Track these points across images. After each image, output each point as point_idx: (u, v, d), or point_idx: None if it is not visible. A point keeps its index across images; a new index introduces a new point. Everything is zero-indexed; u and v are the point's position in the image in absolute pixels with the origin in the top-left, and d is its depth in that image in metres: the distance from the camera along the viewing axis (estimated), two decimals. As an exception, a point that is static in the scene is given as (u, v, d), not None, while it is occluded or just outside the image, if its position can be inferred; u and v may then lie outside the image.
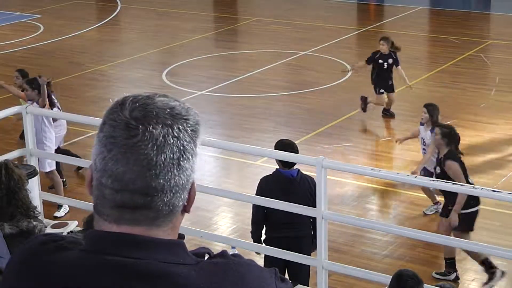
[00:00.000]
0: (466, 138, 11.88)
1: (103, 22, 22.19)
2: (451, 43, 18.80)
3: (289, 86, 15.93)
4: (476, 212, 8.77)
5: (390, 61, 13.65)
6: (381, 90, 13.81)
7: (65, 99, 14.90)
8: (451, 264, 8.92)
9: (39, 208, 6.33)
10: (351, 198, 10.97)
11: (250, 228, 8.00)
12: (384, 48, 13.60)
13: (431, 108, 10.26)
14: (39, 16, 22.74)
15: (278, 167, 7.78)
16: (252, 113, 14.38)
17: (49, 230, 6.69)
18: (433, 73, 16.60)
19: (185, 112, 1.82)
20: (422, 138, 10.44)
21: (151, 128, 1.77)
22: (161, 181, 1.77)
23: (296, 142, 12.90)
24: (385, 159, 12.47)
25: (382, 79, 13.75)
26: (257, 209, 7.78)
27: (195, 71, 17.17)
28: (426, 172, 9.94)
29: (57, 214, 10.56)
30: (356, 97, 14.20)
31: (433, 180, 7.71)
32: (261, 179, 7.88)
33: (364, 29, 20.95)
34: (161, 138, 1.77)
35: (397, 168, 11.88)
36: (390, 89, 13.86)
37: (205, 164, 11.94)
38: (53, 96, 11.00)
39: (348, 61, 17.26)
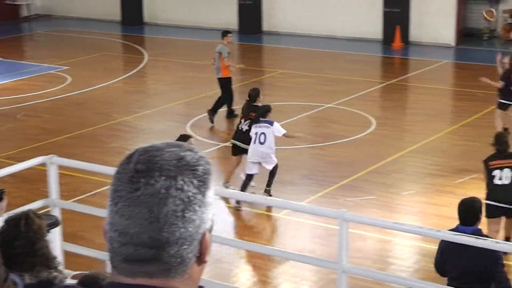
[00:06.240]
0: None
1: (130, 73, 22.43)
2: (476, 96, 18.75)
3: (312, 139, 15.94)
4: None
5: None
6: None
7: (90, 149, 15.05)
8: None
9: (60, 258, 6.36)
10: (373, 251, 10.88)
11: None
12: None
13: None
14: (67, 67, 23.05)
15: None
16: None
17: (69, 281, 6.70)
18: (458, 127, 16.56)
19: (195, 162, 1.80)
20: None
21: (153, 181, 1.75)
22: (165, 234, 1.75)
23: (318, 195, 12.87)
24: (408, 213, 12.38)
25: None
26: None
27: (218, 123, 17.24)
28: None
29: None
30: (381, 150, 14.10)
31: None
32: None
33: (388, 82, 20.98)
34: (163, 190, 1.75)
35: (419, 222, 11.80)
36: None
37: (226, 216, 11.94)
38: None
39: (373, 114, 17.28)
